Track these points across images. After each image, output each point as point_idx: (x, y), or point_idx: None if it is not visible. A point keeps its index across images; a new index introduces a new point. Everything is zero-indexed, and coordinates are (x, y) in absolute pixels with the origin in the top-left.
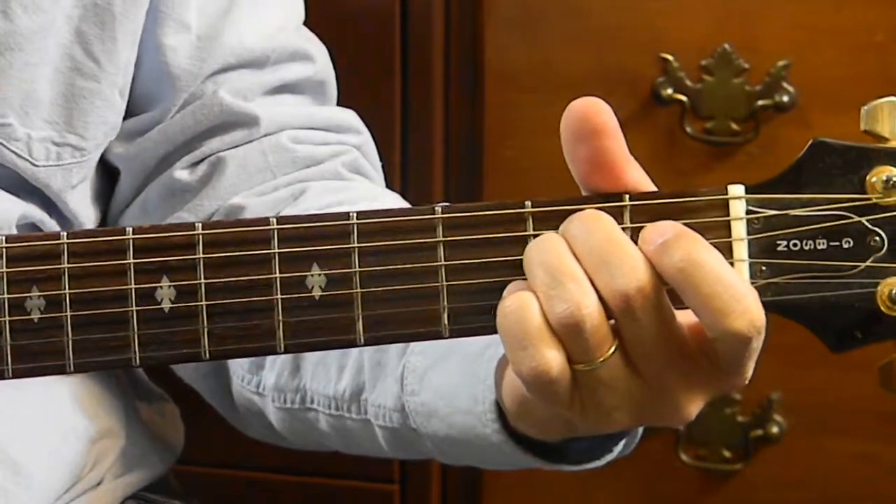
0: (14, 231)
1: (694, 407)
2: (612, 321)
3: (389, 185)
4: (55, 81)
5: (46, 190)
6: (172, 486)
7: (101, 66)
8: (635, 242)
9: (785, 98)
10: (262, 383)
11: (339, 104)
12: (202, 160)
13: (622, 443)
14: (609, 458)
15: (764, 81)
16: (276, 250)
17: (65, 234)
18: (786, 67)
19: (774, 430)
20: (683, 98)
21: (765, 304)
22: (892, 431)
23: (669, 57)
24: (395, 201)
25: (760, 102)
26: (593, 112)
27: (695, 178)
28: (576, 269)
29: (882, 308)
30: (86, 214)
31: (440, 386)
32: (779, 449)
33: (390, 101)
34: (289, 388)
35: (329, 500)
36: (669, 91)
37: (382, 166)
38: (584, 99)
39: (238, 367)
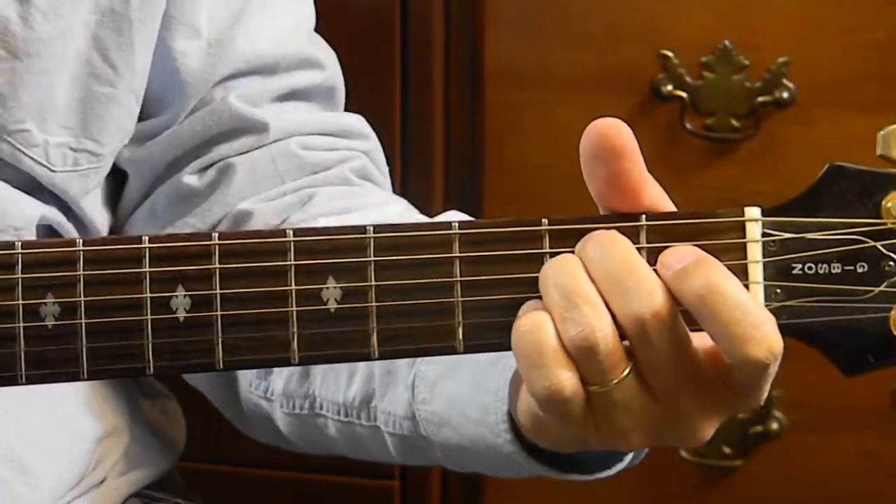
0: (34, 232)
1: (710, 428)
2: (627, 343)
3: (391, 184)
4: (73, 87)
5: (64, 195)
6: (176, 483)
7: (118, 71)
8: (651, 262)
9: (785, 95)
10: (271, 388)
11: None
12: (211, 165)
13: (632, 452)
14: (619, 467)
15: (764, 78)
16: (293, 262)
17: (80, 240)
18: (786, 64)
19: (774, 426)
20: (684, 95)
21: (779, 327)
22: (891, 429)
23: (670, 54)
24: (402, 207)
25: (761, 99)
26: (613, 133)
27: (695, 175)
28: (591, 291)
29: (895, 333)
30: (100, 219)
31: (452, 395)
32: (778, 446)
33: (391, 100)
34: (297, 394)
35: (330, 496)
36: (670, 88)
37: None
38: (604, 119)
39: (246, 372)
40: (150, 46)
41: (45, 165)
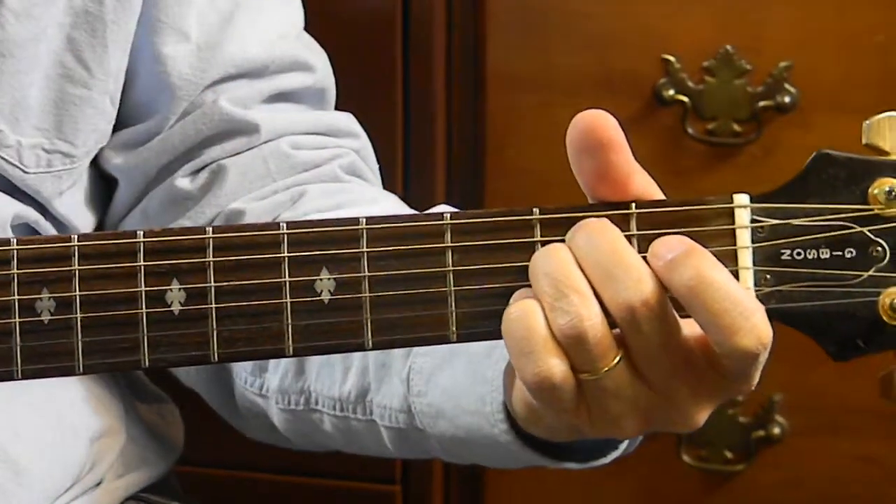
0: (9, 230)
1: (702, 413)
2: (618, 331)
3: (392, 187)
4: (46, 88)
5: (36, 195)
6: (173, 486)
7: (92, 72)
8: (642, 250)
9: (786, 99)
10: (266, 385)
11: (341, 107)
12: (203, 168)
13: (627, 440)
14: (615, 454)
15: (765, 82)
16: (286, 254)
17: (75, 236)
18: (787, 69)
19: (776, 430)
20: (685, 99)
21: (768, 312)
22: (893, 432)
23: (671, 58)
24: (393, 203)
25: (762, 103)
26: (600, 126)
27: (697, 179)
28: (580, 281)
29: (884, 317)
30: (80, 219)
31: (447, 387)
32: (780, 450)
33: (392, 104)
34: (293, 389)
35: (330, 500)
36: (671, 92)
37: (385, 168)
38: (590, 112)
39: (241, 370)
40: (125, 48)
41: (17, 166)
